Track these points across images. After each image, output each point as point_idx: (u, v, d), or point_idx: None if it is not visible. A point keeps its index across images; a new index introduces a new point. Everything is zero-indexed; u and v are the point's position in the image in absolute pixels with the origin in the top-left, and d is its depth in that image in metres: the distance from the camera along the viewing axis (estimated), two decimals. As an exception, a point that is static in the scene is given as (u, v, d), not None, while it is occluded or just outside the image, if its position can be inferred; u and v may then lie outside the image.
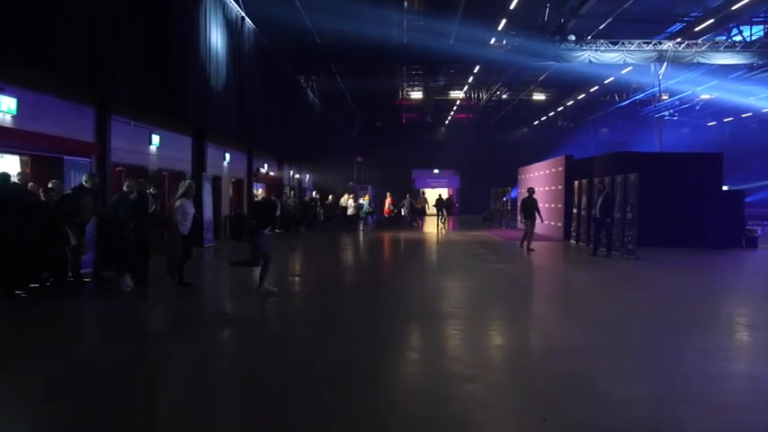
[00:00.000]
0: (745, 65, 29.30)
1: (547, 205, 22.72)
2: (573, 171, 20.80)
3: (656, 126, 31.65)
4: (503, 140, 48.63)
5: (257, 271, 9.40)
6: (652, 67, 26.24)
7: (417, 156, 49.36)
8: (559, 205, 21.50)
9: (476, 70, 32.04)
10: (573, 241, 19.71)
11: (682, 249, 16.89)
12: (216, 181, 19.74)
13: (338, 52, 26.67)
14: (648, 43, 24.50)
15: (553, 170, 22.73)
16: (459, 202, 45.29)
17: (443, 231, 26.73)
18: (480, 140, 47.94)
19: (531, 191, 18.47)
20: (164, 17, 13.32)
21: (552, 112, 45.74)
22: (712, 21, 23.44)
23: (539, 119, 48.18)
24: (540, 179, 24.50)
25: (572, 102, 41.38)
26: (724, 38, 25.87)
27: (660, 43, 24.45)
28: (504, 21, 23.98)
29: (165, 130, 15.53)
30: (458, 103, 42.95)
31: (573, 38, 24.41)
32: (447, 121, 49.20)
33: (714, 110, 41.60)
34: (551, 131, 48.18)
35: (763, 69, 29.15)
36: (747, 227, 19.11)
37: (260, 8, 20.30)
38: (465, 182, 49.37)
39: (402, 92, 41.72)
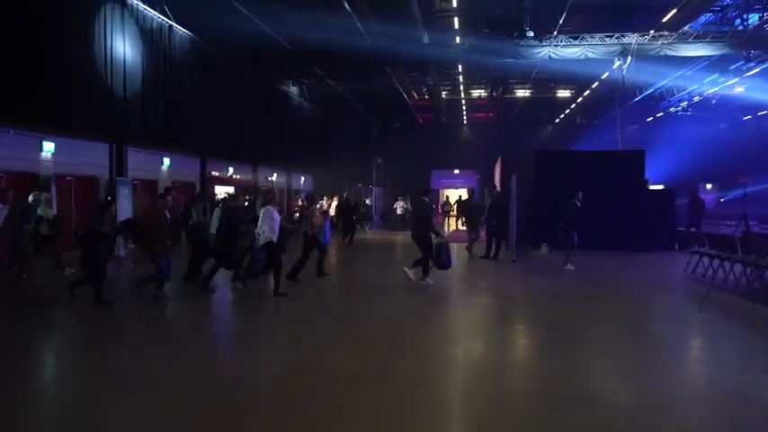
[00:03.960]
0: (743, 55, 27.80)
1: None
2: (509, 171, 20.22)
3: (620, 122, 29.93)
4: (526, 139, 47.38)
5: None
6: (615, 62, 25.06)
7: (437, 156, 49.00)
8: (498, 206, 20.96)
9: (459, 69, 31.60)
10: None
11: (601, 252, 16.14)
12: (150, 185, 20.58)
13: (308, 58, 26.89)
14: (611, 36, 23.47)
15: (498, 171, 22.22)
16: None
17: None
18: (502, 140, 46.95)
19: (471, 192, 18.15)
20: (39, 31, 14.04)
21: (568, 110, 44.30)
22: (675, 11, 22.26)
23: (559, 116, 46.85)
24: (496, 179, 24.00)
25: (581, 99, 39.92)
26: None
27: (623, 36, 23.35)
28: (456, 19, 23.62)
29: (68, 138, 16.33)
30: (463, 102, 42.28)
31: (531, 34, 23.79)
32: (465, 121, 48.56)
33: (741, 104, 39.29)
34: (576, 129, 46.75)
35: (761, 60, 27.45)
36: (680, 228, 17.99)
37: (207, 18, 20.92)
38: (484, 182, 48.53)
39: (410, 93, 41.45)
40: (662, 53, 23.29)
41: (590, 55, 23.78)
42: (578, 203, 13.11)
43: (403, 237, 23.98)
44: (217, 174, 24.80)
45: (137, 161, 19.30)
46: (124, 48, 17.13)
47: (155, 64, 18.75)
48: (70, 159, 16.54)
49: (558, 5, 22.31)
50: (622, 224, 17.04)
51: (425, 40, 24.99)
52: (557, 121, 47.88)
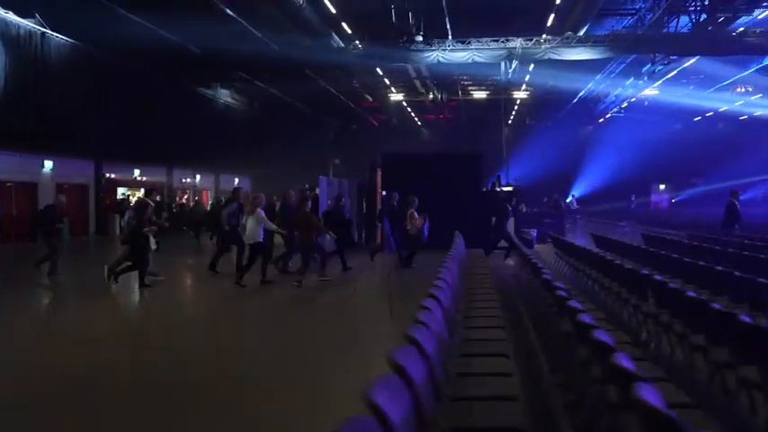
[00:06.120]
0: (649, 58, 28.00)
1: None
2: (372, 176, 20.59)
3: (506, 125, 30.05)
4: (483, 140, 47.28)
5: None
6: (502, 66, 25.30)
7: (395, 158, 49.19)
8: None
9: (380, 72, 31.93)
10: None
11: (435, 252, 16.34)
12: (28, 188, 21.23)
13: (220, 62, 27.17)
14: (497, 41, 23.71)
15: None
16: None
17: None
18: (458, 141, 46.97)
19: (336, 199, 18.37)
20: None
21: (513, 112, 44.43)
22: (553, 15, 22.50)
23: (509, 118, 46.92)
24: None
25: (519, 101, 40.11)
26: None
27: (508, 40, 23.58)
28: (343, 24, 23.98)
29: None
30: (404, 104, 42.54)
31: (420, 38, 24.09)
32: (419, 123, 48.87)
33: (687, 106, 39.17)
34: (529, 130, 46.80)
35: (663, 63, 27.67)
36: (523, 229, 18.23)
37: (95, 25, 21.40)
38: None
39: (360, 95, 41.62)
40: (546, 57, 23.45)
41: (477, 59, 24.00)
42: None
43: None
44: (114, 176, 25.34)
45: (9, 164, 19.93)
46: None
47: (20, 69, 19.37)
48: None
49: (439, 8, 22.62)
50: (461, 224, 17.20)
51: (336, 44, 25.37)
52: (509, 122, 47.91)
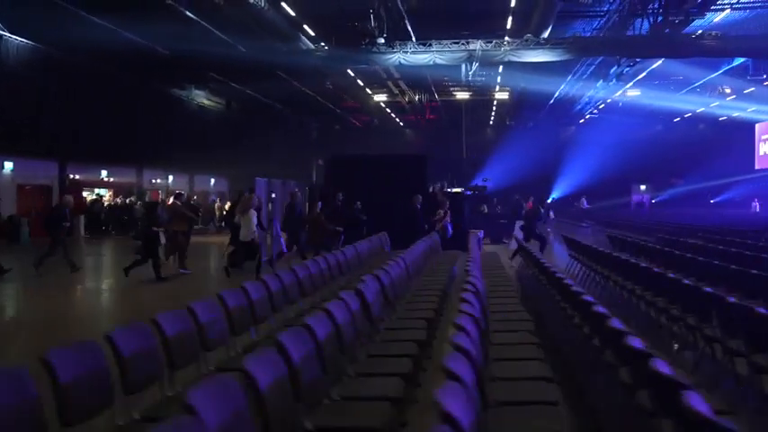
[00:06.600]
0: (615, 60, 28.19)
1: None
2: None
3: (465, 128, 30.19)
4: (468, 141, 47.47)
5: None
6: (463, 68, 25.44)
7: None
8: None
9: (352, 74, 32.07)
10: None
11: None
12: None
13: (192, 63, 27.26)
14: (457, 43, 23.85)
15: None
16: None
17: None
18: (443, 141, 47.07)
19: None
20: None
21: (492, 113, 44.55)
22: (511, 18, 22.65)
23: (490, 119, 47.10)
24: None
25: (496, 102, 40.26)
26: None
27: (468, 43, 23.71)
28: (305, 26, 24.15)
29: None
30: (383, 105, 42.63)
31: (382, 41, 24.19)
32: (401, 123, 49.00)
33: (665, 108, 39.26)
34: (514, 131, 46.78)
35: (628, 65, 27.82)
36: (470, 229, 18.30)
37: (58, 27, 21.55)
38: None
39: (340, 96, 41.62)
40: (506, 59, 23.60)
41: (438, 61, 24.11)
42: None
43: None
44: (79, 177, 25.51)
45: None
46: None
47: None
48: None
49: (401, 11, 22.76)
50: (407, 225, 17.21)
51: (306, 47, 25.48)
52: (490, 122, 48.09)
